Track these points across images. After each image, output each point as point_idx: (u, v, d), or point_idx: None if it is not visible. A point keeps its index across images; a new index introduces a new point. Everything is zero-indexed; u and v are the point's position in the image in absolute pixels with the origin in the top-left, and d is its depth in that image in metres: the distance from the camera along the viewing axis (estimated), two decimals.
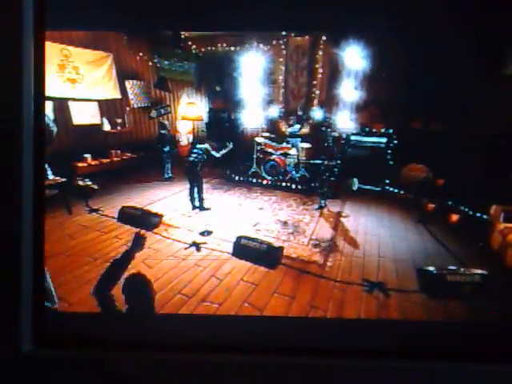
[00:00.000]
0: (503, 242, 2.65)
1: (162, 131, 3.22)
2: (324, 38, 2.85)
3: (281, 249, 2.70)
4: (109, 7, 2.38)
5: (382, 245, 2.80)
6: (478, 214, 2.97)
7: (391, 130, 3.18)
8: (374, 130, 3.13)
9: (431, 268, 2.43)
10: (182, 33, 2.74)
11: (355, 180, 3.24)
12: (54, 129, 2.99)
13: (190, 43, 2.96)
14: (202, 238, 2.90)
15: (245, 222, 3.16)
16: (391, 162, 3.20)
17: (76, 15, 2.36)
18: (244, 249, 2.65)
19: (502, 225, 2.71)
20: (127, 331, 2.16)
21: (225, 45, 2.84)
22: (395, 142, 3.10)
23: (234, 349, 1.94)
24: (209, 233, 3.00)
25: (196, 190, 3.40)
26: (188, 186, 3.41)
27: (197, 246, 2.71)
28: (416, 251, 2.73)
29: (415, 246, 2.75)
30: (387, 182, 3.27)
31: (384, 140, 3.07)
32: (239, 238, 2.72)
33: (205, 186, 3.38)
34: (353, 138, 3.32)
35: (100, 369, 2.02)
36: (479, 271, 2.33)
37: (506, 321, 2.06)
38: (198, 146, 3.40)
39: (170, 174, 3.33)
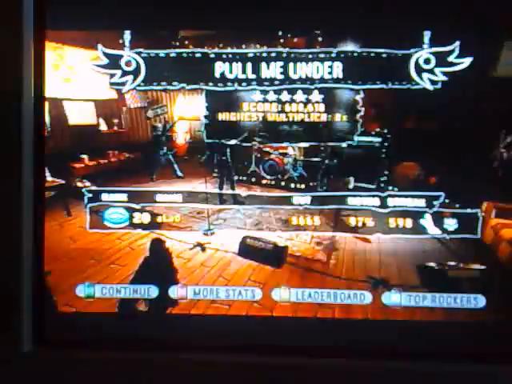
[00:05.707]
0: (495, 237, 2.76)
1: (155, 133, 3.16)
2: (320, 39, 2.87)
3: (286, 248, 2.74)
4: (110, 6, 2.36)
5: (380, 239, 2.86)
6: (469, 210, 3.07)
7: (386, 130, 3.24)
8: (368, 130, 3.18)
9: (432, 264, 2.52)
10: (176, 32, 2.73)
11: (351, 179, 3.29)
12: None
13: (186, 43, 2.94)
14: (206, 238, 2.91)
15: (246, 222, 3.17)
16: (386, 161, 3.27)
17: (75, 14, 2.33)
18: (250, 248, 2.67)
19: (494, 220, 2.81)
20: (128, 331, 2.15)
21: (221, 45, 2.84)
22: (389, 141, 3.16)
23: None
24: (212, 232, 3.00)
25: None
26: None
27: (201, 246, 2.70)
28: (413, 245, 2.81)
29: (412, 241, 2.83)
30: (382, 179, 3.33)
31: (379, 139, 3.12)
32: (245, 237, 2.75)
33: (202, 185, 3.35)
34: (348, 137, 3.36)
35: (100, 369, 2.03)
36: (478, 266, 2.43)
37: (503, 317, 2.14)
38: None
39: (180, 174, 3.28)
